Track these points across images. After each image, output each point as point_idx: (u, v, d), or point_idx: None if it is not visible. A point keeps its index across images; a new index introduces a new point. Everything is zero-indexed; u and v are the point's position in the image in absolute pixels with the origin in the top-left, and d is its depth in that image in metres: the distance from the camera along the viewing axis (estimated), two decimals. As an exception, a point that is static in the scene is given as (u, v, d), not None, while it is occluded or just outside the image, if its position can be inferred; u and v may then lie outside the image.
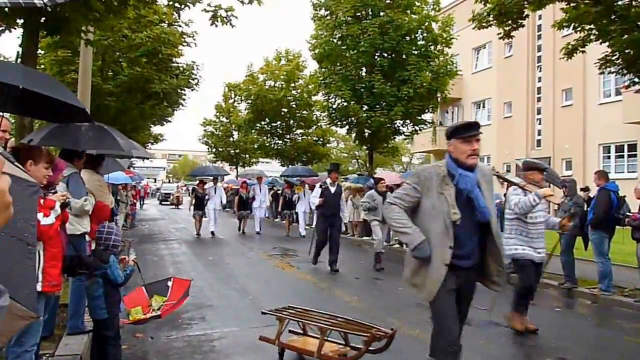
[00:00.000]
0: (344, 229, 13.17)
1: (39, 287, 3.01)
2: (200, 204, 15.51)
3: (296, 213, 16.79)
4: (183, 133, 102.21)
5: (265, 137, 30.94)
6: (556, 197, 5.59)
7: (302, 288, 8.08)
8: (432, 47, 19.24)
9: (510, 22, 9.84)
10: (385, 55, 18.94)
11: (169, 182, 59.94)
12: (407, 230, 3.21)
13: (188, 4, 7.05)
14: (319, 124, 29.91)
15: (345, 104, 19.45)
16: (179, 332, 5.43)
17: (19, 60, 6.12)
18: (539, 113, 24.65)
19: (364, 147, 22.81)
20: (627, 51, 8.86)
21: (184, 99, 18.57)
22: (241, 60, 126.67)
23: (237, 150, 36.40)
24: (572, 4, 9.09)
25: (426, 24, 18.82)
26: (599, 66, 9.90)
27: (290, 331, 4.64)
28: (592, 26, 9.08)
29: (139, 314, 4.29)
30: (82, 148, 4.97)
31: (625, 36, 8.49)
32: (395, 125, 19.85)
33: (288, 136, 30.25)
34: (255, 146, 32.12)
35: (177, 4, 7.21)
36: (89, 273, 3.77)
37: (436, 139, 26.21)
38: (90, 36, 7.53)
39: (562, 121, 22.84)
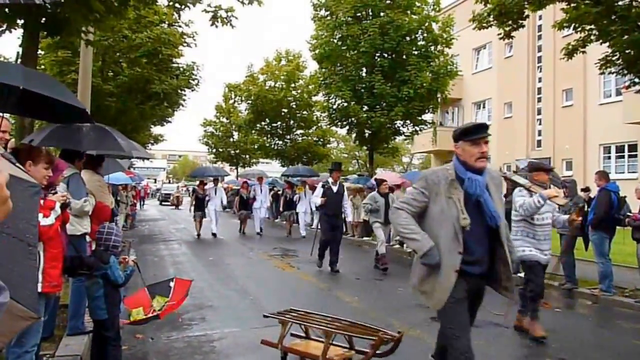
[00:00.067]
0: (344, 229, 13.15)
1: (39, 288, 2.99)
2: (200, 204, 15.50)
3: (297, 213, 16.80)
4: (183, 134, 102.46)
5: (265, 138, 30.94)
6: (560, 198, 5.55)
7: (303, 288, 8.08)
8: (433, 48, 19.24)
9: (510, 22, 9.84)
10: (386, 55, 18.93)
11: (169, 182, 60.07)
12: (415, 236, 3.11)
13: (188, 4, 7.06)
14: (319, 125, 29.92)
15: (345, 104, 19.46)
16: (179, 332, 5.42)
17: (19, 60, 6.13)
18: (539, 113, 24.65)
19: (364, 148, 22.82)
20: (627, 51, 8.87)
21: (184, 100, 18.60)
22: (241, 61, 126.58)
23: (237, 151, 36.39)
24: (572, 5, 9.10)
25: (426, 24, 18.83)
26: (599, 66, 9.91)
27: (292, 334, 4.53)
28: (592, 26, 9.09)
29: (140, 315, 4.28)
30: (83, 149, 4.97)
31: (626, 36, 8.50)
32: (396, 126, 19.85)
33: (288, 136, 30.25)
34: (256, 147, 32.11)
35: (177, 5, 7.22)
36: (89, 274, 3.76)
37: (436, 140, 26.15)
38: (90, 37, 7.52)
39: (563, 121, 22.84)
